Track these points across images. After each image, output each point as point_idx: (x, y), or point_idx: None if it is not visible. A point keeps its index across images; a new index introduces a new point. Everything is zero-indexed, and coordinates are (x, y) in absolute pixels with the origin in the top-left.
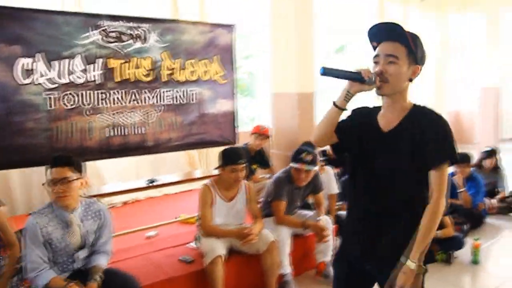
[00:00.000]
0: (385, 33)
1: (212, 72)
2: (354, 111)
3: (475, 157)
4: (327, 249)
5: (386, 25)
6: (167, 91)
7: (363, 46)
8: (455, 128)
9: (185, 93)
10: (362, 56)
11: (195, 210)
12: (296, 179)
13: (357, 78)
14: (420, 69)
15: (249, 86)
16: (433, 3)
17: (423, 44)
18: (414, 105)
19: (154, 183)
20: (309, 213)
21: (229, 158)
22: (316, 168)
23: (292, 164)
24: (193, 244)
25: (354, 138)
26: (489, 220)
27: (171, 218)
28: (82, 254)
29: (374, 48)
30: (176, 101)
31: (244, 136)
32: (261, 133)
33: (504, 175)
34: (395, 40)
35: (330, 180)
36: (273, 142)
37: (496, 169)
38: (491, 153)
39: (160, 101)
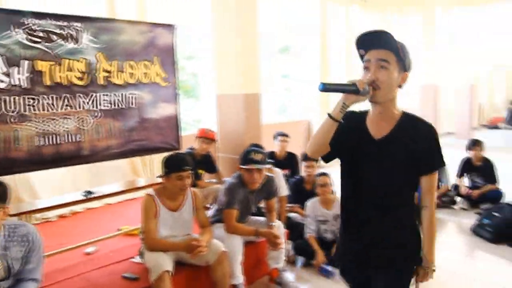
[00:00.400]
0: (374, 41)
1: (153, 74)
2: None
3: None
4: (280, 255)
5: (376, 33)
6: (104, 95)
7: (307, 46)
8: None
9: (124, 97)
10: (306, 56)
11: (139, 220)
12: (249, 182)
13: (353, 90)
14: (408, 76)
15: (193, 88)
16: (374, 3)
17: (409, 52)
18: (404, 112)
19: (92, 195)
20: (260, 219)
21: (174, 165)
22: (268, 166)
23: (242, 166)
24: (138, 259)
25: (345, 145)
26: None
27: (113, 230)
28: (6, 284)
29: (361, 57)
30: (115, 105)
31: (189, 140)
32: (206, 137)
33: (445, 169)
34: (384, 48)
35: (279, 182)
36: (220, 146)
37: None
38: None
39: (97, 106)
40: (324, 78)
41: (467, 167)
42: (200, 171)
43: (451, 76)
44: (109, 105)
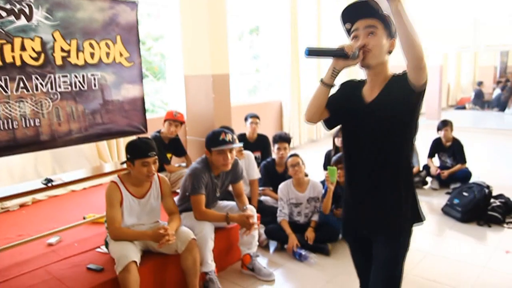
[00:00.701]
0: (360, 11)
1: (116, 54)
2: (342, 84)
3: None
4: (252, 241)
5: (361, 3)
6: (62, 76)
7: (277, 27)
8: None
9: (85, 78)
10: (276, 37)
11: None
12: (221, 164)
13: (341, 55)
14: (395, 42)
15: (161, 70)
16: None
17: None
18: (394, 74)
19: (52, 183)
20: (230, 203)
21: (138, 150)
22: (240, 145)
23: (213, 149)
24: (103, 249)
25: (342, 111)
26: None
27: (78, 219)
28: None
29: (348, 31)
30: (75, 87)
31: (158, 123)
32: (174, 119)
33: (417, 150)
34: (371, 16)
35: (250, 165)
36: (188, 128)
37: None
38: None
39: (55, 88)
40: (295, 58)
41: (437, 147)
42: (168, 155)
43: None
44: (68, 87)
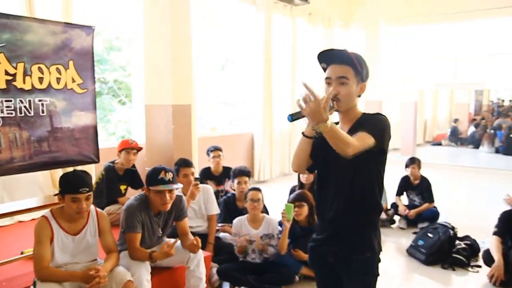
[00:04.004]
0: (333, 57)
1: (68, 79)
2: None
3: None
4: (199, 283)
5: (333, 50)
6: (6, 100)
7: (250, 60)
8: None
9: (31, 103)
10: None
11: None
12: (159, 203)
13: None
14: (366, 86)
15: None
16: (319, 17)
17: (365, 62)
18: (364, 113)
19: None
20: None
21: (69, 185)
22: (180, 186)
23: (151, 188)
24: None
25: (320, 154)
26: None
27: (15, 254)
28: None
29: (324, 69)
30: (20, 112)
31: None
32: (132, 147)
33: (384, 188)
34: (343, 63)
35: (209, 199)
36: (147, 159)
37: None
38: None
39: None
40: (268, 91)
41: (405, 185)
42: (123, 186)
43: (395, 93)
44: (12, 112)
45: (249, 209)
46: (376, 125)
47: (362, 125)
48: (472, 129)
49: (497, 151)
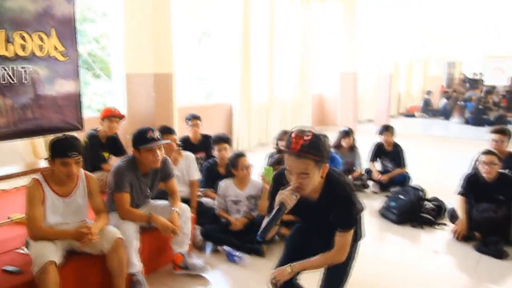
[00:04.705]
0: (292, 153)
1: (50, 47)
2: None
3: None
4: (184, 240)
5: (295, 149)
6: None
7: (226, 34)
8: (319, 112)
9: (14, 71)
10: (224, 44)
11: None
12: (151, 162)
13: (285, 210)
14: (328, 165)
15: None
16: None
17: (326, 142)
18: (326, 179)
19: None
20: (164, 202)
21: (58, 150)
22: (168, 141)
23: (141, 147)
24: (25, 249)
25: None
26: None
27: (2, 219)
28: None
29: (284, 148)
30: (3, 80)
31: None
32: (114, 115)
33: (359, 154)
34: (302, 157)
35: (191, 165)
36: (128, 127)
37: (352, 149)
38: (347, 132)
39: None
40: (246, 63)
41: (378, 151)
42: (106, 154)
43: (371, 65)
44: None
45: (242, 174)
46: (349, 216)
47: (330, 196)
48: (443, 101)
49: (467, 122)
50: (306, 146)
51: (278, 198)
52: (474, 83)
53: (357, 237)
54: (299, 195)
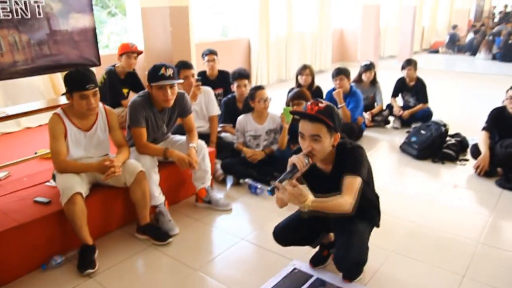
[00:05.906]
0: (307, 116)
1: None
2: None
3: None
4: (205, 175)
5: (304, 113)
6: (1, 1)
7: None
8: (340, 47)
9: (27, 5)
10: None
11: None
12: (162, 100)
13: (296, 171)
14: (339, 135)
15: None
16: None
17: (339, 114)
18: (338, 149)
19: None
20: (182, 138)
21: (74, 83)
22: (181, 81)
23: (153, 84)
24: (52, 182)
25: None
26: (367, 133)
27: (29, 154)
28: None
29: (297, 120)
30: (17, 15)
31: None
32: (132, 51)
33: (380, 89)
34: (315, 121)
35: (210, 101)
36: (146, 63)
37: (373, 83)
38: (368, 66)
39: None
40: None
41: (400, 86)
42: (125, 90)
43: None
44: (9, 14)
45: (260, 108)
46: (355, 163)
47: (343, 165)
48: (471, 35)
49: (494, 57)
50: (321, 112)
51: (291, 160)
52: (505, 16)
53: (372, 222)
54: (312, 160)
